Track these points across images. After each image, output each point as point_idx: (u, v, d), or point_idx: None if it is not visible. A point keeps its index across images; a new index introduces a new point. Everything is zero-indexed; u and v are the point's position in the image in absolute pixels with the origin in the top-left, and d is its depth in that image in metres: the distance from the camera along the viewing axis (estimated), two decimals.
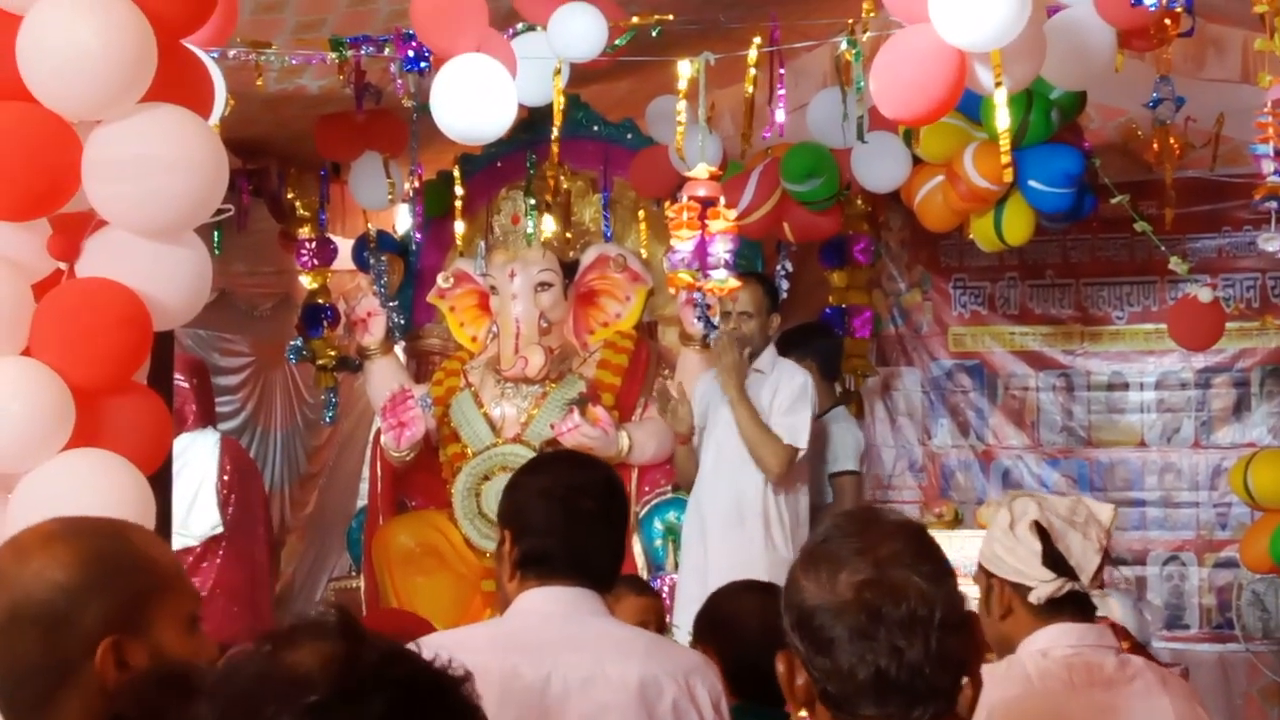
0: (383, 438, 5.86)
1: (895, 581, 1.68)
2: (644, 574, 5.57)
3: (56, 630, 1.76)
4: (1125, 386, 7.04)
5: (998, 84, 3.93)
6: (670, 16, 4.92)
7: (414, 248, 6.41)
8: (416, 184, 5.56)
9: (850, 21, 4.77)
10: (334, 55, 4.97)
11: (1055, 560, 2.60)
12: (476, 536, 5.79)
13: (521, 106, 4.68)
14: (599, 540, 2.57)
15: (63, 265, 3.11)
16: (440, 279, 6.08)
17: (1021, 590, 2.62)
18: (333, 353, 6.42)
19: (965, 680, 1.77)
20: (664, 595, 5.39)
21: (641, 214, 6.13)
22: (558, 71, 4.77)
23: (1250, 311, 6.55)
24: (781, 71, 4.86)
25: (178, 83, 3.13)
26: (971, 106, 5.08)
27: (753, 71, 4.85)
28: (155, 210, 3.04)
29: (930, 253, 7.22)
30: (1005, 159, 4.30)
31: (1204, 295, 5.58)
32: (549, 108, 4.90)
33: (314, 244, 6.38)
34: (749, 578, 3.47)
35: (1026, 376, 7.16)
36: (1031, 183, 5.50)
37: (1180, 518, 6.91)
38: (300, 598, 7.43)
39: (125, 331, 3.07)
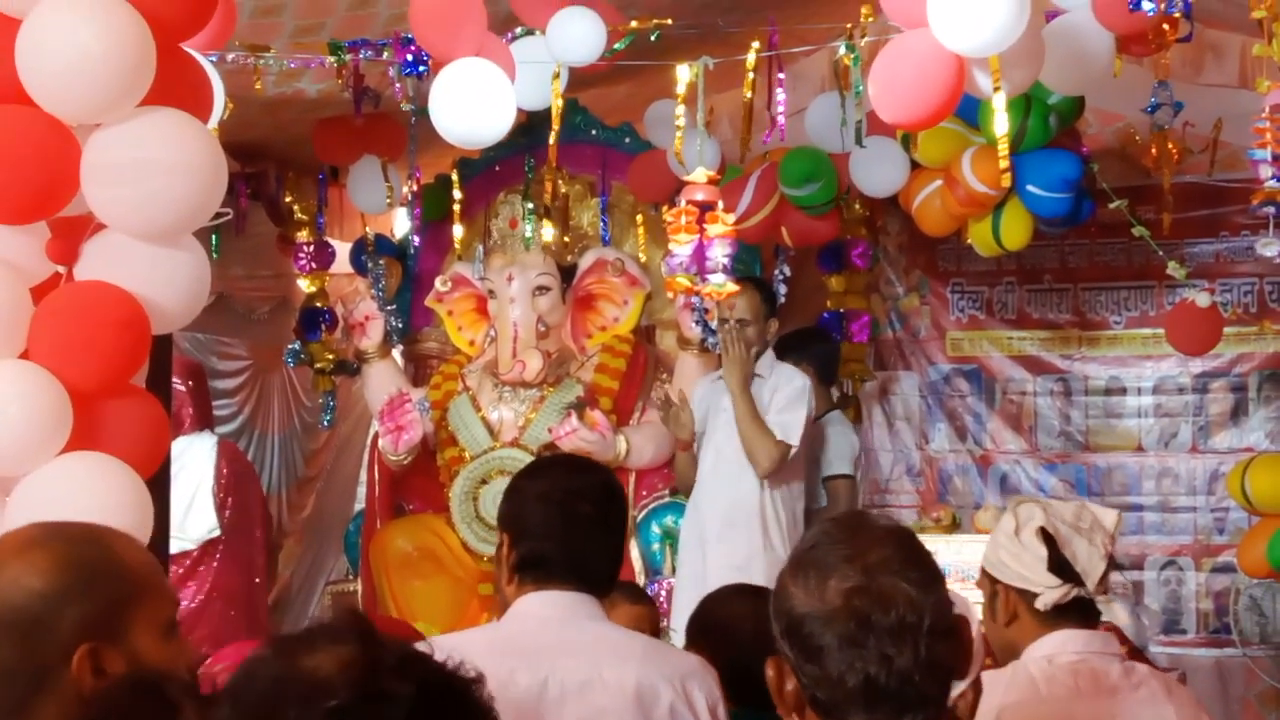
0: (380, 441, 5.86)
1: (884, 589, 1.67)
2: (642, 578, 5.58)
3: (32, 636, 1.76)
4: (1123, 391, 7.04)
5: (996, 89, 3.93)
6: (669, 21, 4.92)
7: (412, 251, 6.41)
8: (415, 188, 5.56)
9: (849, 26, 4.78)
10: (332, 59, 4.97)
11: (1061, 566, 2.60)
12: (474, 540, 5.79)
13: (520, 110, 4.68)
14: (597, 544, 2.57)
15: (61, 268, 3.11)
16: (438, 283, 6.08)
17: (1027, 596, 2.62)
18: (330, 356, 6.42)
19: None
20: (661, 599, 5.40)
21: (640, 218, 6.14)
22: (556, 75, 4.77)
23: (1248, 316, 6.56)
24: (780, 76, 4.86)
25: (177, 86, 3.13)
26: (970, 111, 5.08)
27: (751, 76, 4.85)
28: (154, 214, 3.04)
29: (928, 257, 7.22)
30: (1003, 164, 4.30)
31: (1202, 300, 5.58)
32: (547, 112, 4.90)
33: (312, 247, 6.37)
34: (747, 581, 3.47)
35: (1024, 381, 7.16)
36: (1029, 188, 5.50)
37: (1178, 522, 6.91)
38: (297, 601, 7.43)
39: (123, 335, 3.07)
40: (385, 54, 4.90)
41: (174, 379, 5.81)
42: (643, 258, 6.06)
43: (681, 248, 4.65)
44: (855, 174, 5.70)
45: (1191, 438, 6.93)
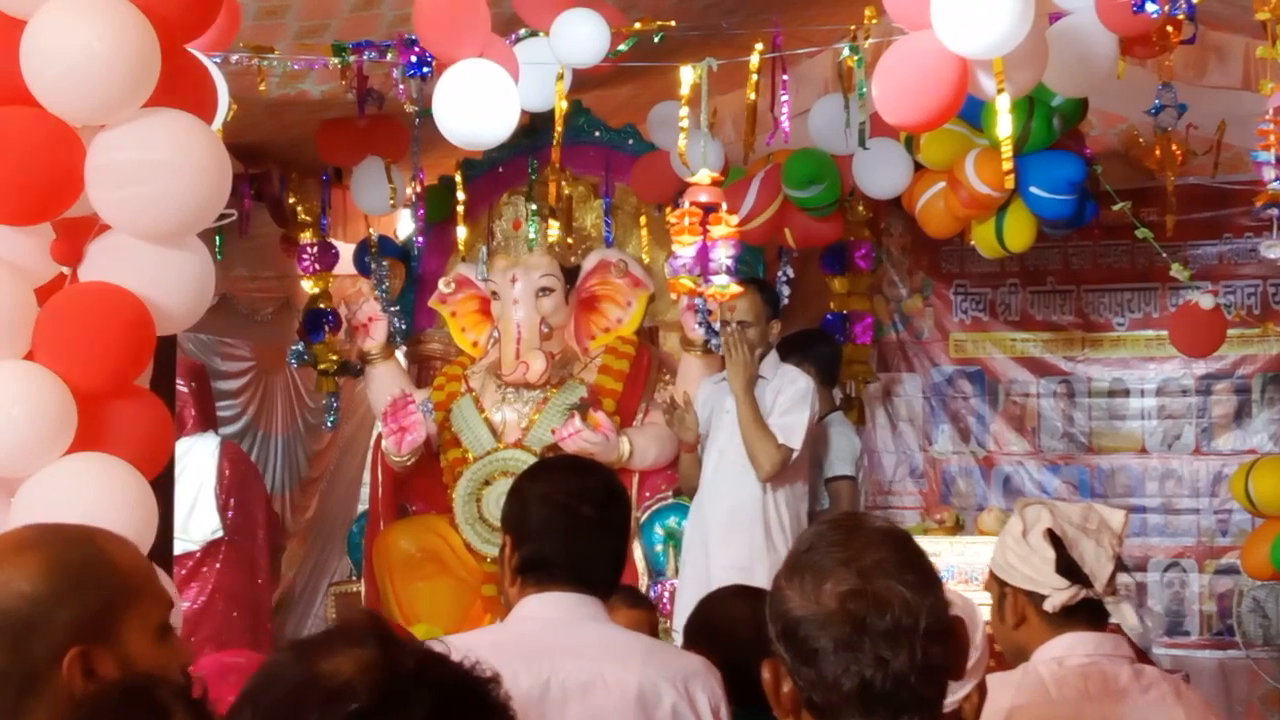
0: (384, 442, 5.87)
1: (879, 591, 1.67)
2: (645, 579, 5.58)
3: (23, 639, 1.76)
4: (1126, 393, 7.04)
5: (1000, 90, 3.93)
6: (672, 22, 4.93)
7: (415, 252, 6.41)
8: (418, 189, 5.56)
9: (852, 28, 4.79)
10: (336, 60, 4.98)
11: (1069, 568, 2.59)
12: (477, 541, 5.79)
13: (523, 112, 4.68)
14: (599, 546, 2.57)
15: (66, 270, 3.11)
16: (441, 284, 6.08)
17: (1035, 598, 2.62)
18: (334, 357, 6.42)
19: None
20: (664, 600, 5.40)
21: (643, 219, 6.14)
22: (560, 77, 4.77)
23: (1251, 318, 6.55)
24: (784, 78, 4.87)
25: (181, 87, 3.13)
26: (973, 113, 5.08)
27: (755, 77, 4.85)
28: (158, 215, 3.04)
29: (931, 259, 7.22)
30: (1007, 165, 4.30)
31: (1205, 302, 5.59)
32: (551, 113, 4.90)
33: (315, 249, 6.38)
34: (750, 583, 3.47)
35: (1027, 383, 7.16)
36: (1033, 189, 5.50)
37: (1181, 524, 6.91)
38: (301, 602, 7.43)
39: (128, 336, 3.07)
40: (389, 55, 4.91)
41: (177, 380, 5.82)
42: (646, 259, 6.06)
43: (685, 249, 4.65)
44: (859, 176, 5.71)
45: (1195, 440, 6.93)
